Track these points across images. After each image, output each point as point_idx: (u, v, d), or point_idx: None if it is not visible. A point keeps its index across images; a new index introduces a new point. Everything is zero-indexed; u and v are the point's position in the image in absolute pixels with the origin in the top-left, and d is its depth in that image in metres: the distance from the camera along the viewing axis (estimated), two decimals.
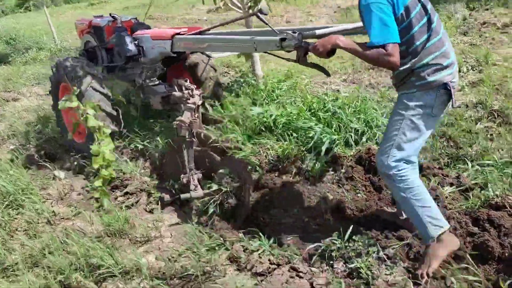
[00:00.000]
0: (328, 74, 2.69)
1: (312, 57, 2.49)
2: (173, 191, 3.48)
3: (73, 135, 4.31)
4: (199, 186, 3.15)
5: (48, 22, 11.32)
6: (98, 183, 3.30)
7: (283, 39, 2.55)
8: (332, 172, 3.38)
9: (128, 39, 4.18)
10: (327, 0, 13.22)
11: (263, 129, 3.90)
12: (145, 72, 4.29)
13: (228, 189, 3.11)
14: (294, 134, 3.75)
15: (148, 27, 4.53)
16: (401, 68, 2.26)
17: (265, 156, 3.56)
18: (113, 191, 3.60)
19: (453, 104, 2.32)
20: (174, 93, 3.46)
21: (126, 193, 3.52)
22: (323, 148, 3.44)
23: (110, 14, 4.63)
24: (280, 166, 3.45)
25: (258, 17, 2.77)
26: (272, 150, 3.60)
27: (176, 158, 3.38)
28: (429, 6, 2.31)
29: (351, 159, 3.48)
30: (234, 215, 3.13)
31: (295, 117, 3.83)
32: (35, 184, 3.69)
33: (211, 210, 3.08)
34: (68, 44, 11.34)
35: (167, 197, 3.29)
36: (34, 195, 3.48)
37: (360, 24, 2.65)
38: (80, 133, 4.29)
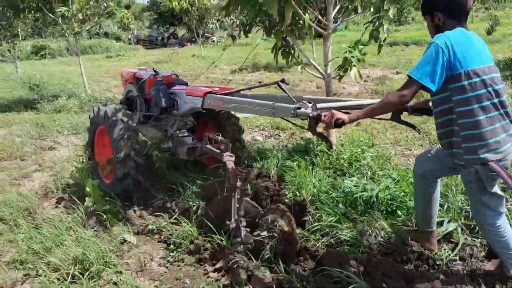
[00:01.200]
0: (331, 146, 3.29)
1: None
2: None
3: (103, 176, 4.55)
4: (248, 232, 3.16)
5: (81, 72, 11.22)
6: None
7: (298, 108, 2.75)
8: (461, 263, 2.93)
9: (165, 93, 4.54)
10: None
11: (362, 203, 3.53)
12: (177, 123, 4.53)
13: (278, 235, 3.07)
14: (399, 212, 3.40)
15: (186, 84, 4.85)
16: None
17: (375, 237, 3.17)
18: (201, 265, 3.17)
19: None
20: (208, 146, 3.92)
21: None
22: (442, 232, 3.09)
23: (153, 69, 4.95)
24: (394, 250, 3.06)
25: (279, 86, 3.11)
26: (382, 230, 3.21)
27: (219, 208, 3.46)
28: None
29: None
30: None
31: (401, 193, 3.49)
32: (109, 250, 3.24)
33: (266, 256, 3.04)
34: (97, 94, 11.20)
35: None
36: (113, 265, 3.04)
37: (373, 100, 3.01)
38: (110, 172, 4.46)
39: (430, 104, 2.59)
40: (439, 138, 2.56)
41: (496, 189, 2.45)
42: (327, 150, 4.68)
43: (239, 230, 3.13)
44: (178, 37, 43.45)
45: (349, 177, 4.01)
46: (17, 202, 4.21)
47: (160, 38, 42.67)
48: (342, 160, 4.36)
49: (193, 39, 40.93)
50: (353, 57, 4.15)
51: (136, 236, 3.63)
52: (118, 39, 43.88)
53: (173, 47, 37.76)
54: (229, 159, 3.52)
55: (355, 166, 4.29)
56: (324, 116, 2.54)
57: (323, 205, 3.61)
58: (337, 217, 3.39)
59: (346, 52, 4.29)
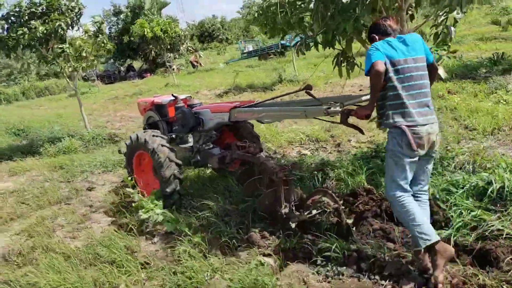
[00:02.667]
0: (362, 133, 3.48)
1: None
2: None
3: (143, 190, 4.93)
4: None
5: (80, 110, 10.85)
6: None
7: (328, 108, 3.27)
8: None
9: (190, 113, 5.07)
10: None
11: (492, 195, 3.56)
12: (202, 138, 5.11)
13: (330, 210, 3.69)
14: None
15: (201, 104, 5.45)
16: None
17: None
18: None
19: None
20: (239, 152, 4.59)
21: None
22: None
23: (172, 94, 5.50)
24: None
25: (307, 92, 3.51)
26: None
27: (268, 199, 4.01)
28: None
29: None
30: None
31: None
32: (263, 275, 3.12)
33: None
34: (99, 130, 10.81)
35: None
36: None
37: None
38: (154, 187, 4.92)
39: None
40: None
41: None
42: None
43: (292, 212, 3.76)
44: (135, 69, 42.86)
45: (452, 172, 4.10)
46: (120, 243, 3.97)
47: (117, 72, 41.90)
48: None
49: (152, 70, 40.60)
50: (440, 56, 4.24)
51: (268, 257, 3.53)
52: (69, 77, 42.65)
53: (133, 80, 37.21)
54: (266, 158, 4.26)
55: (447, 162, 4.38)
56: (354, 112, 3.08)
57: (450, 201, 3.65)
58: (479, 210, 3.42)
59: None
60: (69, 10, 9.28)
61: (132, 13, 40.58)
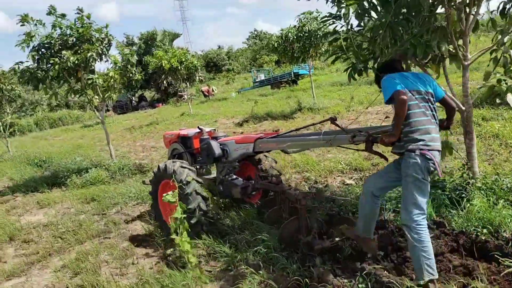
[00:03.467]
0: (386, 159, 3.62)
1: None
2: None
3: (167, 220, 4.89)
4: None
5: (108, 141, 10.73)
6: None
7: (353, 136, 3.41)
8: None
9: (216, 145, 5.24)
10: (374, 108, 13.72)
11: None
12: (226, 169, 5.21)
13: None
14: None
15: (226, 135, 5.60)
16: None
17: None
18: None
19: None
20: (262, 182, 4.86)
21: None
22: None
23: (198, 127, 5.73)
24: None
25: (332, 122, 3.70)
26: None
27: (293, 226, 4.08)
28: None
29: None
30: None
31: None
32: None
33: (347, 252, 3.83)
34: (125, 161, 10.68)
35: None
36: None
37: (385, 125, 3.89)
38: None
39: None
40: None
41: None
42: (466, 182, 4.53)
43: (315, 239, 3.88)
44: (147, 99, 43.29)
45: None
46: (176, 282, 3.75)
47: (129, 102, 42.32)
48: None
49: (163, 100, 40.92)
50: (506, 83, 4.09)
51: None
52: (81, 107, 43.14)
53: (145, 110, 37.50)
54: (288, 188, 4.46)
55: None
56: (380, 139, 3.19)
57: None
58: None
59: (499, 80, 4.22)
60: (99, 41, 9.30)
61: (145, 44, 41.33)
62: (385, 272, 3.51)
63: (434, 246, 3.72)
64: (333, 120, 3.71)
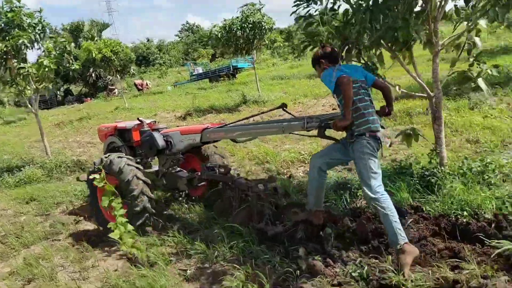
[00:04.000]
0: (338, 141, 3.72)
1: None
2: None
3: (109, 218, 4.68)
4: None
5: (42, 138, 9.84)
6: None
7: (306, 123, 3.55)
8: None
9: (159, 136, 5.05)
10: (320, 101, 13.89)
11: None
12: (169, 162, 5.13)
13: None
14: None
15: (166, 127, 5.44)
16: None
17: None
18: None
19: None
20: (210, 173, 4.78)
21: None
22: None
23: (138, 119, 5.49)
24: None
25: (283, 109, 3.89)
26: None
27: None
28: None
29: None
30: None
31: None
32: None
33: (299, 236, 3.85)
34: (62, 157, 9.83)
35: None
36: None
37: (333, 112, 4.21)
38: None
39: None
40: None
41: None
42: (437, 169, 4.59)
43: (268, 225, 3.96)
44: (73, 93, 40.81)
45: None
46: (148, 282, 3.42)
47: (53, 96, 39.60)
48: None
49: (92, 94, 38.82)
50: (481, 69, 4.13)
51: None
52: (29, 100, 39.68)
53: (72, 105, 35.32)
54: (239, 177, 4.49)
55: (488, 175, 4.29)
56: (333, 124, 3.41)
57: None
58: None
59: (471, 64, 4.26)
60: (32, 27, 8.43)
61: (70, 36, 38.80)
62: (374, 259, 3.43)
63: (415, 231, 3.76)
64: (283, 107, 3.79)
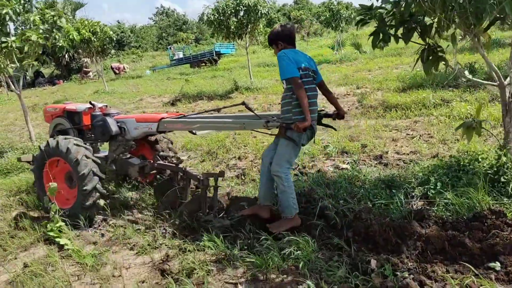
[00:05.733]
0: (296, 144, 3.72)
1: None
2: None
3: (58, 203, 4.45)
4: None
5: (26, 121, 8.95)
6: None
7: (267, 121, 3.69)
8: None
9: (112, 122, 4.96)
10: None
11: None
12: (121, 148, 5.05)
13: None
14: None
15: (118, 113, 5.25)
16: None
17: None
18: None
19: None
20: (161, 162, 4.93)
21: None
22: None
23: (90, 102, 5.37)
24: None
25: (246, 106, 3.80)
26: None
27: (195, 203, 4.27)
28: None
29: None
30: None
31: None
32: None
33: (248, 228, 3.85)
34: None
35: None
36: None
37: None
38: (67, 199, 4.80)
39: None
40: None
41: None
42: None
43: (216, 218, 4.05)
44: (44, 75, 38.82)
45: None
46: None
47: (23, 78, 37.50)
48: None
49: (64, 77, 37.06)
50: None
51: None
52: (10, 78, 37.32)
53: (44, 87, 33.60)
54: (190, 168, 4.55)
55: None
56: (295, 125, 3.51)
57: None
58: None
59: None
60: None
61: (62, 10, 36.66)
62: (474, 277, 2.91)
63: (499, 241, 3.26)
64: (245, 104, 3.81)
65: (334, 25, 23.03)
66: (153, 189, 5.20)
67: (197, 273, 3.36)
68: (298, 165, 5.92)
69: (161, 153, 5.16)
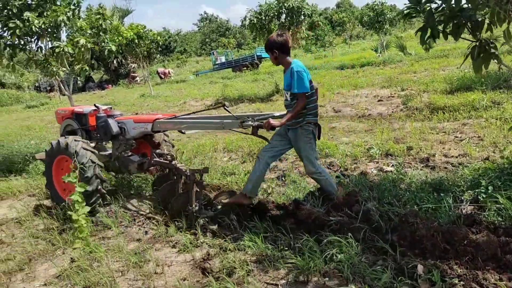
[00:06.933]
0: (268, 141, 4.33)
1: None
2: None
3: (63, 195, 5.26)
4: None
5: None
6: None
7: (243, 121, 3.97)
8: None
9: (113, 122, 5.44)
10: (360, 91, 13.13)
11: None
12: (121, 146, 5.51)
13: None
14: None
15: (121, 114, 5.74)
16: None
17: None
18: None
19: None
20: (157, 159, 5.17)
21: None
22: None
23: (94, 105, 5.75)
24: None
25: (224, 108, 4.09)
26: None
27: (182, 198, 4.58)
28: None
29: None
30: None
31: None
32: None
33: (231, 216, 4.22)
34: None
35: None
36: None
37: (281, 112, 4.41)
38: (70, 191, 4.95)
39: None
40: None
41: None
42: None
43: (201, 210, 4.43)
44: (94, 80, 40.50)
45: None
46: None
47: (74, 83, 39.33)
48: None
49: (113, 81, 38.44)
50: None
51: None
52: (18, 88, 39.53)
53: (93, 91, 35.01)
54: (180, 165, 4.85)
55: None
56: (266, 124, 3.80)
57: None
58: None
59: None
60: (67, 3, 7.82)
61: (108, 13, 38.23)
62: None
63: None
64: (224, 105, 4.08)
65: (377, 26, 22.53)
66: (152, 183, 5.72)
67: (238, 273, 3.35)
68: (340, 167, 5.81)
69: (158, 151, 5.46)
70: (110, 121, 5.45)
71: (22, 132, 13.67)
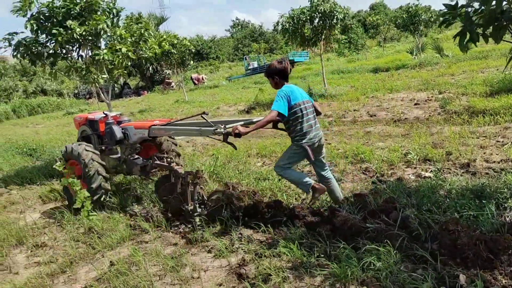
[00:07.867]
0: (235, 148, 4.53)
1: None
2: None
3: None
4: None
5: None
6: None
7: (215, 129, 4.18)
8: None
9: (117, 129, 5.88)
10: (398, 95, 12.90)
11: None
12: (128, 150, 5.91)
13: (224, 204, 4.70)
14: None
15: (129, 120, 6.11)
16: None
17: None
18: None
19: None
20: (157, 162, 5.36)
21: None
22: None
23: (103, 112, 6.26)
24: None
25: (202, 116, 4.39)
26: None
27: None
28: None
29: None
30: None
31: None
32: None
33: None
34: None
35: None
36: None
37: (251, 118, 4.74)
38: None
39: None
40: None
41: None
42: None
43: (195, 208, 4.75)
44: (130, 86, 41.57)
45: None
46: None
47: (112, 89, 40.50)
48: None
49: (148, 88, 39.32)
50: None
51: None
52: (60, 95, 41.08)
53: (129, 97, 35.91)
54: (178, 167, 5.09)
55: None
56: (233, 130, 3.99)
57: None
58: None
59: None
60: (107, 12, 8.08)
61: (149, 22, 39.30)
62: None
63: None
64: (203, 113, 4.36)
65: (412, 28, 22.06)
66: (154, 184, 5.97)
67: (273, 279, 3.34)
68: (376, 173, 5.71)
69: (159, 154, 5.76)
70: (115, 127, 5.89)
71: (62, 137, 14.19)
